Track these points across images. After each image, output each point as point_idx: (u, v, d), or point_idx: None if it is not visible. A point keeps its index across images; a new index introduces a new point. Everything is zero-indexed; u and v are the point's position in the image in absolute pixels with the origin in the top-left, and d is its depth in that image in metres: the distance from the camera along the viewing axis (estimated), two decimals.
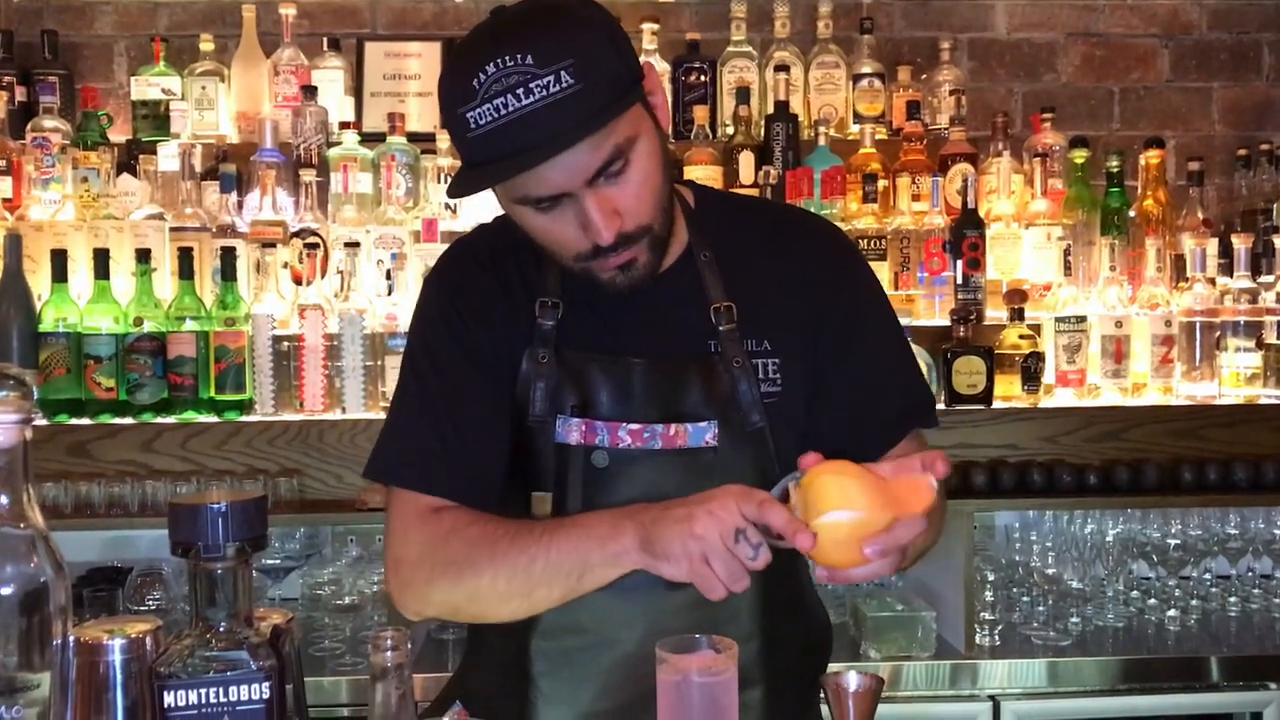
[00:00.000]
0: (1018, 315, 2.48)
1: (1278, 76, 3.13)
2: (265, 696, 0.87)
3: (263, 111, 2.77)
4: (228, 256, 2.41)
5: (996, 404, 2.44)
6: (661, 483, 1.28)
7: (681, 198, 1.37)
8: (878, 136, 2.76)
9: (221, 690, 0.86)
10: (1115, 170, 2.69)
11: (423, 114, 2.83)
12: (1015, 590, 2.48)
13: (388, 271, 2.51)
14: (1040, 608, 2.42)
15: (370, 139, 2.72)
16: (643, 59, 2.75)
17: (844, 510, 1.04)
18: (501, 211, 1.32)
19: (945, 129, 2.81)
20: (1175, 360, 2.51)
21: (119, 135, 2.80)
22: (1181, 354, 2.51)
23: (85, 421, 2.38)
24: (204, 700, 0.86)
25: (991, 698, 2.22)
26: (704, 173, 2.63)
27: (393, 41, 2.92)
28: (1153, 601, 2.49)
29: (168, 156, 2.56)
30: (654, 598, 1.29)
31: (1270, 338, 2.52)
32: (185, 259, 2.39)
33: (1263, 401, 2.50)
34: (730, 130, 2.79)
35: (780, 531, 1.06)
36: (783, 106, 2.74)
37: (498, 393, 1.31)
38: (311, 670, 2.16)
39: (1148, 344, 2.50)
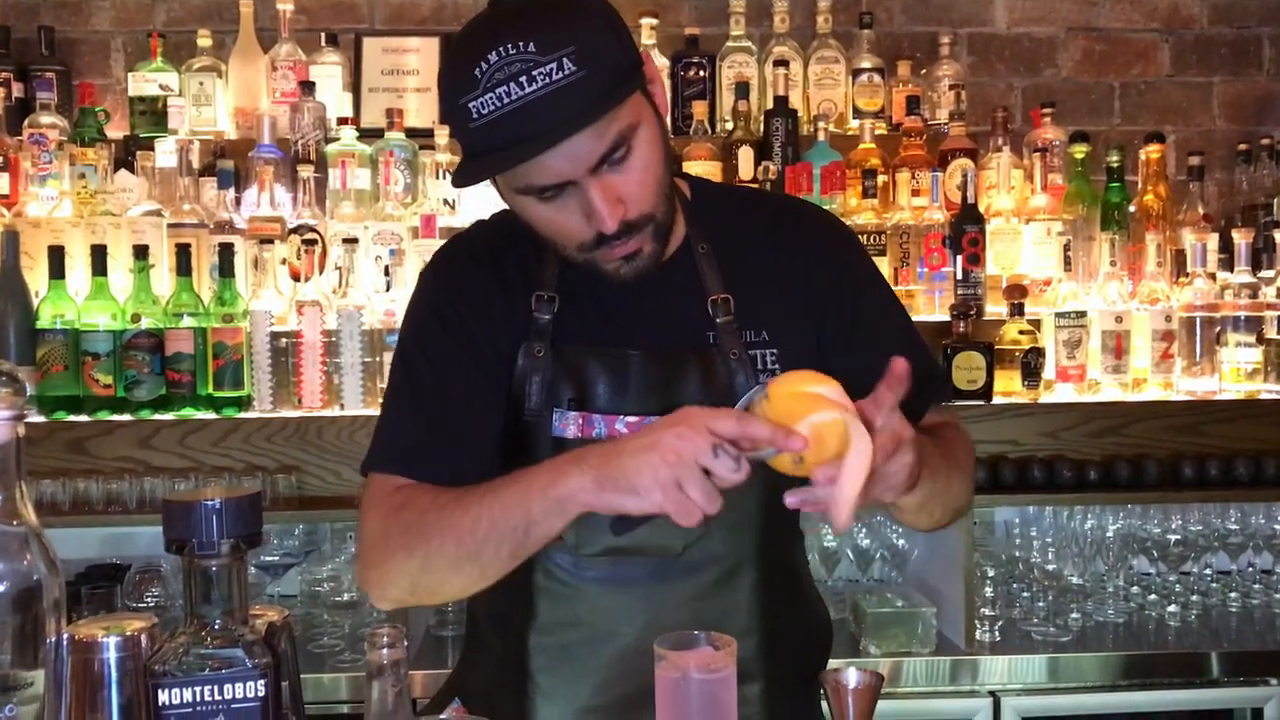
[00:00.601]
0: (1018, 311, 2.48)
1: (1278, 71, 3.13)
2: (260, 694, 0.87)
3: (261, 107, 2.76)
4: (225, 253, 2.41)
5: (997, 400, 2.44)
6: None
7: (678, 190, 1.37)
8: (877, 132, 2.75)
9: (216, 688, 0.86)
10: (1115, 165, 2.68)
11: (421, 109, 2.82)
12: (1016, 586, 2.48)
13: (386, 268, 2.50)
14: (1041, 603, 2.42)
15: (368, 135, 2.71)
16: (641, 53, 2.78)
17: (824, 413, 1.01)
18: (500, 207, 1.31)
19: (945, 124, 2.80)
20: (1176, 355, 2.50)
21: (116, 131, 2.79)
22: (1182, 349, 2.51)
23: (83, 418, 2.37)
24: (199, 698, 0.85)
25: (992, 694, 2.22)
26: (703, 168, 2.63)
27: (391, 37, 2.91)
28: (1153, 597, 2.49)
29: (165, 153, 2.56)
30: (652, 591, 1.29)
31: (1271, 333, 2.51)
32: (183, 255, 2.39)
33: (1263, 397, 2.49)
34: (729, 125, 2.78)
35: (768, 440, 1.02)
36: (782, 102, 2.73)
37: (490, 386, 1.30)
38: (310, 667, 2.15)
39: (1148, 339, 2.49)
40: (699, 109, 2.74)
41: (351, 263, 2.45)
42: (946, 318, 2.48)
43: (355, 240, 2.47)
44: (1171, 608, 2.44)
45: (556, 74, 1.09)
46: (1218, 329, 2.51)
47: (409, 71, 2.86)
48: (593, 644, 1.30)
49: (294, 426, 2.37)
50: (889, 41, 3.00)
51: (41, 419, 2.34)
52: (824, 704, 1.13)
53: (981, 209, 2.59)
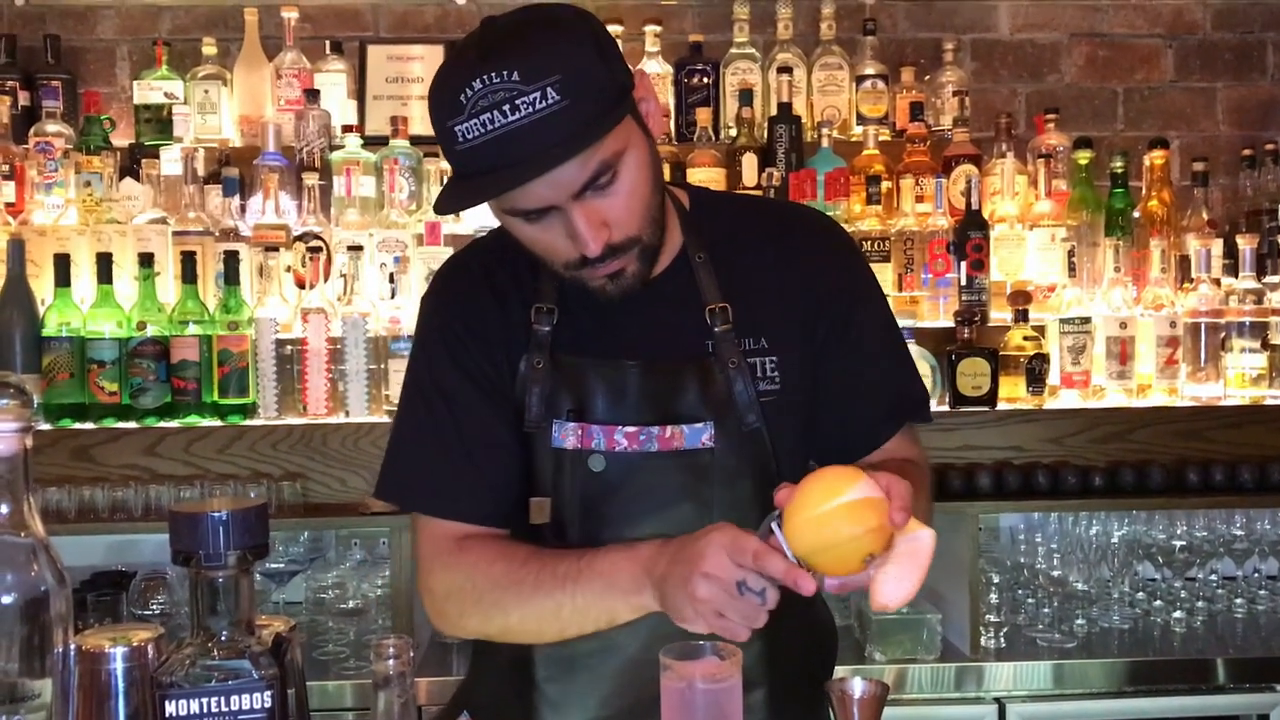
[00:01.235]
0: (1022, 317, 2.48)
1: None
2: (267, 705, 0.87)
3: (265, 115, 2.77)
4: (231, 260, 2.41)
5: (1001, 406, 2.44)
6: (659, 485, 1.29)
7: (676, 199, 1.37)
8: (881, 138, 2.75)
9: (223, 699, 0.86)
10: (1119, 171, 2.68)
11: (425, 117, 2.75)
12: (1020, 592, 2.47)
13: (391, 275, 2.51)
14: (1045, 610, 2.41)
15: (373, 142, 2.72)
16: (642, 62, 2.78)
17: (833, 537, 1.05)
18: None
19: (949, 130, 2.80)
20: (1180, 361, 2.50)
21: (122, 139, 2.81)
22: (1186, 355, 2.50)
23: (89, 426, 2.38)
24: (205, 709, 0.85)
25: (997, 700, 2.22)
26: (707, 175, 2.63)
27: (395, 44, 2.92)
28: (1158, 603, 2.48)
29: (170, 160, 2.56)
30: None
31: (1276, 339, 2.51)
32: (188, 263, 2.39)
33: (1268, 402, 2.49)
34: (733, 132, 2.79)
35: (781, 582, 1.07)
36: (786, 108, 2.73)
37: (502, 408, 1.32)
38: (315, 675, 2.15)
39: (1152, 345, 2.49)
40: (703, 116, 2.74)
41: (356, 270, 2.46)
42: (951, 324, 2.49)
43: (360, 247, 2.48)
44: (1177, 614, 2.43)
45: (540, 103, 1.09)
46: (1222, 335, 2.51)
47: (413, 79, 2.86)
48: (599, 655, 1.30)
49: (299, 433, 2.38)
50: (892, 48, 3.00)
51: (47, 426, 2.35)
52: (830, 713, 1.13)
53: (985, 215, 2.60)
